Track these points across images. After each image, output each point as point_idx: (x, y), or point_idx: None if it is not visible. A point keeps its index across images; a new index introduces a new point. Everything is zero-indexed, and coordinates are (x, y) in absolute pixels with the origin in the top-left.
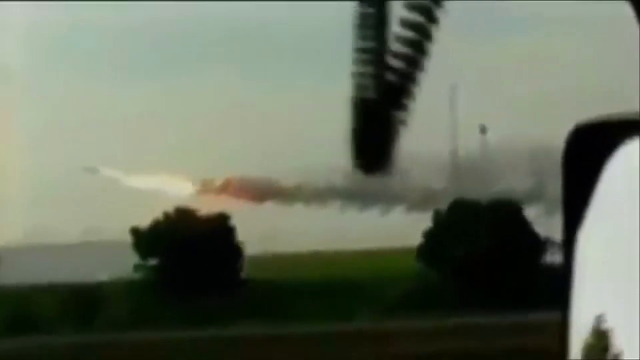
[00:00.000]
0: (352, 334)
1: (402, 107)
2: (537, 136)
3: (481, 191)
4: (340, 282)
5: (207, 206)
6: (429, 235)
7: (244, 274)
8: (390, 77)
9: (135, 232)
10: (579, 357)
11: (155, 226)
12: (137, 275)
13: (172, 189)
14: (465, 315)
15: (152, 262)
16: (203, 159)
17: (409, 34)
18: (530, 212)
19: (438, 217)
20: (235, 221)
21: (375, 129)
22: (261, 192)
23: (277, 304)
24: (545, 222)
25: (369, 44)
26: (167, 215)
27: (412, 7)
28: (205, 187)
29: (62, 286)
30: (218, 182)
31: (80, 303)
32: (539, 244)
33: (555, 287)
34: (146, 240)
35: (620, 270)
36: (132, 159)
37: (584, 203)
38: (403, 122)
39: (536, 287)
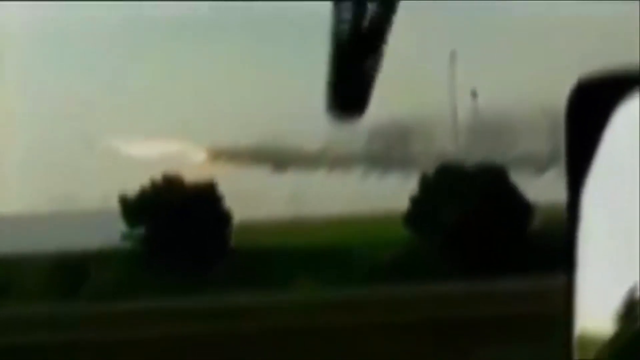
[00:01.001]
0: (337, 303)
1: (376, 52)
2: (549, 99)
3: (500, 154)
4: (330, 249)
5: (220, 174)
6: (416, 201)
7: (232, 242)
8: (364, 23)
9: (123, 200)
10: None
11: (143, 194)
12: (124, 244)
13: (184, 158)
14: (453, 282)
15: (140, 230)
16: (217, 126)
17: None
18: (551, 175)
19: (425, 182)
20: (253, 188)
21: (350, 75)
22: (282, 158)
23: (261, 272)
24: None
25: None
26: (154, 183)
27: None
28: (218, 155)
29: (47, 255)
30: (232, 150)
31: (66, 272)
32: (528, 209)
33: (546, 253)
34: (133, 208)
35: (629, 229)
36: (142, 128)
37: (587, 162)
38: (376, 68)
39: (526, 253)
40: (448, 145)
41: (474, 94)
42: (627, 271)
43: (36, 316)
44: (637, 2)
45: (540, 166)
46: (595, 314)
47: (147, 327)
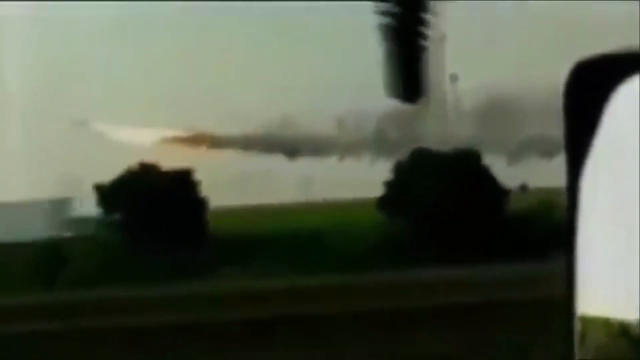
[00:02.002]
0: (313, 289)
1: (423, 34)
2: (551, 82)
3: (512, 137)
4: (307, 235)
5: (225, 160)
6: (390, 186)
7: (209, 229)
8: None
9: (99, 187)
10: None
11: (119, 181)
12: (100, 232)
13: (181, 144)
14: (428, 269)
15: (116, 217)
16: (223, 112)
17: None
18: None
19: (399, 167)
20: (267, 174)
21: (404, 57)
22: (292, 144)
23: (238, 259)
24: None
25: None
26: (130, 170)
27: None
28: (221, 142)
29: (23, 244)
30: (241, 136)
31: (42, 260)
32: (502, 193)
33: (524, 238)
34: (109, 195)
35: (630, 211)
36: (143, 114)
37: (587, 144)
38: (425, 49)
39: (502, 239)
40: (457, 130)
41: (453, 78)
42: (629, 255)
43: (14, 306)
44: (637, 2)
45: (550, 149)
46: (596, 299)
47: (126, 316)
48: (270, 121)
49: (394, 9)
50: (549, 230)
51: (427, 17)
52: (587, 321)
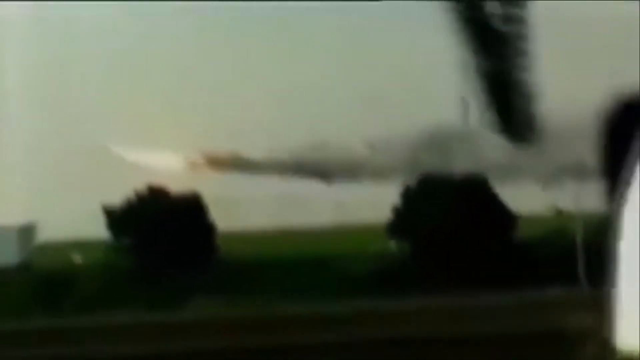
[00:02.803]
0: (315, 317)
1: (528, 76)
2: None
3: (547, 161)
4: (314, 260)
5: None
6: (398, 211)
7: (217, 253)
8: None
9: (108, 211)
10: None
11: (128, 205)
12: (109, 256)
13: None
14: (434, 296)
15: (125, 241)
16: (252, 133)
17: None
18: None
19: (407, 193)
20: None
21: (512, 100)
22: (328, 169)
23: (242, 285)
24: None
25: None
26: (139, 194)
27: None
28: (253, 166)
29: (32, 268)
30: (276, 158)
31: (51, 285)
32: (511, 219)
33: (529, 265)
34: (119, 219)
35: None
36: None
37: (625, 175)
38: (534, 90)
39: (509, 266)
40: (488, 155)
41: (465, 102)
42: None
43: (21, 330)
44: (637, 2)
45: (586, 173)
46: (633, 331)
47: (132, 339)
48: (303, 144)
49: (496, 50)
50: (560, 256)
51: (529, 50)
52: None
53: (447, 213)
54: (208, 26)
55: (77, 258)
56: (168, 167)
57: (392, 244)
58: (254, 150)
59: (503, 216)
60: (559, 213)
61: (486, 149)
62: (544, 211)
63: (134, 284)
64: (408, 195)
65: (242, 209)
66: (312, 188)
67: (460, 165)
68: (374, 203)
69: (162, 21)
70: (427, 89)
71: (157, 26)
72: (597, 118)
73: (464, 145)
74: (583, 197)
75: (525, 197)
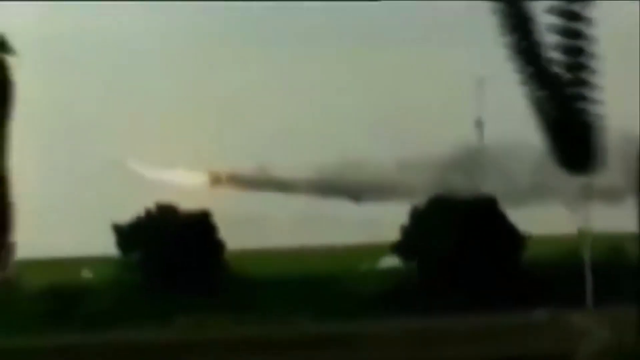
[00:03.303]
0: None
1: (591, 99)
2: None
3: (572, 182)
4: (322, 279)
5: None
6: (406, 231)
7: (225, 272)
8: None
9: (117, 228)
10: None
11: (137, 223)
12: (118, 273)
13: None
14: (442, 316)
15: (134, 258)
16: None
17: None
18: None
19: (415, 213)
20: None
21: (573, 129)
22: (357, 188)
23: (248, 304)
24: None
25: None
26: (148, 212)
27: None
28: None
29: (42, 285)
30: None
31: (60, 301)
32: (519, 240)
33: (540, 285)
34: (128, 236)
35: None
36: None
37: None
38: (599, 117)
39: (517, 286)
40: (517, 176)
41: (478, 124)
42: None
43: (29, 347)
44: (637, 1)
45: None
46: None
47: (141, 357)
48: (332, 164)
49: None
50: (570, 277)
51: (594, 80)
52: None
53: (455, 233)
54: (234, 44)
55: (87, 274)
56: (190, 184)
57: (398, 264)
58: (281, 168)
59: (511, 237)
60: (585, 233)
61: (515, 169)
62: (570, 231)
63: (142, 300)
64: (416, 216)
65: (267, 226)
66: (340, 207)
67: (489, 185)
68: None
69: (185, 37)
70: (456, 109)
71: (180, 41)
72: (630, 139)
73: (493, 165)
74: (612, 218)
75: (552, 217)
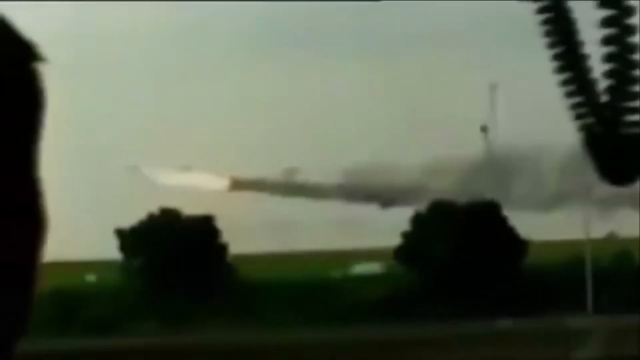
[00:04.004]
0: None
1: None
2: None
3: (603, 187)
4: (325, 284)
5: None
6: (408, 237)
7: (229, 276)
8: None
9: (120, 233)
10: None
11: (140, 227)
12: (121, 277)
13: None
14: (444, 322)
15: (137, 262)
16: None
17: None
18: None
19: (417, 218)
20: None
21: (611, 150)
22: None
23: (249, 308)
24: None
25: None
26: (151, 216)
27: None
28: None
29: (45, 288)
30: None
31: (62, 305)
32: (521, 245)
33: (541, 290)
34: (131, 241)
35: None
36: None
37: None
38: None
39: (518, 292)
40: (545, 180)
41: (484, 129)
42: None
43: (31, 351)
44: (638, 1)
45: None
46: None
47: None
48: (357, 169)
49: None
50: (573, 283)
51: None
52: None
53: (456, 239)
54: (264, 48)
55: (91, 278)
56: (210, 188)
57: (399, 269)
58: (308, 173)
59: (512, 242)
60: (611, 236)
61: (544, 174)
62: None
63: (145, 304)
64: (418, 221)
65: (296, 231)
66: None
67: (517, 190)
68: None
69: (209, 39)
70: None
71: (202, 43)
72: None
73: (521, 170)
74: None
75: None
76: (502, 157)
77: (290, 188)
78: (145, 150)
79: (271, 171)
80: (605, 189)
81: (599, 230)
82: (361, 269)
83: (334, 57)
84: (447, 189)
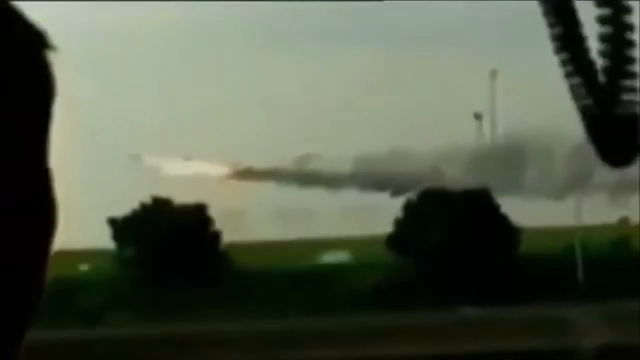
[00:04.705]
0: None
1: (627, 101)
2: None
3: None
4: (321, 273)
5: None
6: (400, 224)
7: (222, 264)
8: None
9: (113, 222)
10: None
11: (133, 216)
12: (114, 266)
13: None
14: (435, 310)
15: (130, 252)
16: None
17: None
18: None
19: (409, 206)
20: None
21: (609, 129)
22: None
23: (244, 297)
24: None
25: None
26: (144, 205)
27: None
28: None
29: None
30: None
31: (55, 294)
32: (513, 233)
33: (534, 278)
34: (124, 230)
35: None
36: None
37: None
38: (634, 115)
39: (510, 280)
40: (556, 168)
41: (478, 117)
42: None
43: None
44: (638, 1)
45: None
46: None
47: (136, 351)
48: (366, 158)
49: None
50: (565, 270)
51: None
52: None
53: (448, 227)
54: (275, 38)
55: (84, 267)
56: (210, 177)
57: (391, 257)
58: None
59: (505, 229)
60: (624, 222)
61: (558, 161)
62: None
63: (139, 293)
64: (410, 209)
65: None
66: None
67: (531, 178)
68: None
69: (215, 28)
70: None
71: (208, 33)
72: None
73: (535, 158)
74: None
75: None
76: (506, 144)
77: (301, 177)
78: (153, 141)
79: (280, 161)
80: (617, 174)
81: (611, 216)
82: (329, 258)
83: (351, 46)
84: (458, 175)
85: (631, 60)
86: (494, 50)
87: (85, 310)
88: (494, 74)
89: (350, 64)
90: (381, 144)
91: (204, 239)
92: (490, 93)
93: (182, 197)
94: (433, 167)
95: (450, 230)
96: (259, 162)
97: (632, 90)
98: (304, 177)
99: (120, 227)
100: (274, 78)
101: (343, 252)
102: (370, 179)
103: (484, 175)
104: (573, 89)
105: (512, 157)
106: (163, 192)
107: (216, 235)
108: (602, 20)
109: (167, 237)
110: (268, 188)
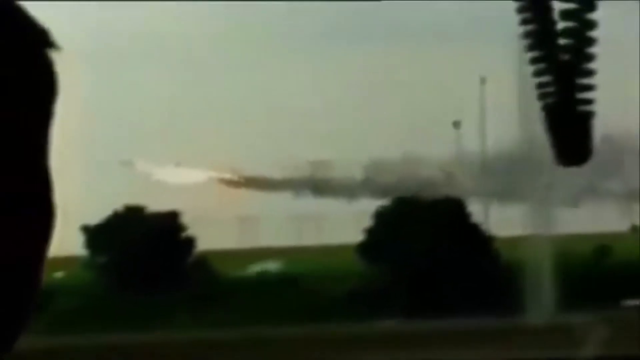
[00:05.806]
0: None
1: (585, 99)
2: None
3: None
4: (287, 280)
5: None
6: (370, 233)
7: (191, 272)
8: (566, 72)
9: (86, 229)
10: None
11: (106, 224)
12: (86, 273)
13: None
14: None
15: (102, 259)
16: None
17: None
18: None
19: (380, 214)
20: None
21: (569, 127)
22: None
23: (212, 304)
24: None
25: (541, 53)
26: (116, 213)
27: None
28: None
29: None
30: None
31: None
32: (484, 242)
33: (505, 287)
34: (96, 237)
35: None
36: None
37: None
38: (591, 114)
39: (482, 289)
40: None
41: (457, 125)
42: None
43: None
44: (638, 1)
45: None
46: None
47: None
48: (368, 164)
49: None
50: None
51: (592, 73)
52: None
53: (419, 235)
54: (275, 43)
55: (58, 274)
56: (196, 184)
57: (362, 266)
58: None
59: (476, 238)
60: (635, 229)
61: (560, 170)
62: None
63: (110, 301)
64: (381, 217)
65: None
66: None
67: (529, 185)
68: None
69: (202, 35)
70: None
71: (206, 37)
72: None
73: (534, 165)
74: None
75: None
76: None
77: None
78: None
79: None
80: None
81: (621, 224)
82: (257, 268)
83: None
84: (466, 183)
85: (590, 58)
86: (494, 50)
87: (55, 317)
88: (483, 81)
89: (350, 64)
90: (381, 145)
91: (178, 245)
92: (480, 101)
93: (173, 204)
94: (446, 173)
95: (420, 239)
96: (259, 165)
97: (590, 88)
98: (299, 185)
99: (92, 234)
100: (274, 78)
101: (273, 262)
102: (378, 185)
103: (492, 181)
104: (540, 87)
105: (525, 163)
106: (151, 200)
107: (190, 242)
108: (563, 16)
109: (139, 244)
110: (260, 195)
